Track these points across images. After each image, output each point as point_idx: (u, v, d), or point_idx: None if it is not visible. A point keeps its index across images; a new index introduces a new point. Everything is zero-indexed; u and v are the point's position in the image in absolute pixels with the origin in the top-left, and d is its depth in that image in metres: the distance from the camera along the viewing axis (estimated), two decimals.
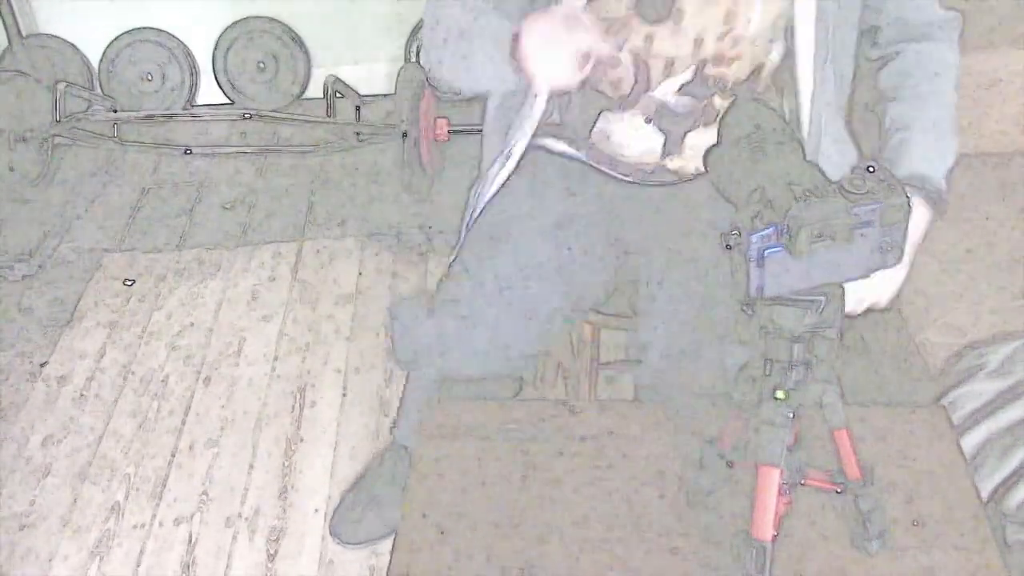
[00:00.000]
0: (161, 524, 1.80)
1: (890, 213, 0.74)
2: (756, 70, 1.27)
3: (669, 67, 1.26)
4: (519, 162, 1.33)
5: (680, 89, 1.28)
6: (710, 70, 1.25)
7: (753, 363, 0.86)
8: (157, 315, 2.31)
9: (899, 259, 0.77)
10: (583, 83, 1.12)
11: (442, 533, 0.97)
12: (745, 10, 1.20)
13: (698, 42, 1.23)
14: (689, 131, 1.32)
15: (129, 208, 2.73)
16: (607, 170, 1.37)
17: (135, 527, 1.79)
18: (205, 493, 1.86)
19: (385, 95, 3.03)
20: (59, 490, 1.87)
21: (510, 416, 1.10)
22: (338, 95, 2.75)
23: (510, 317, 1.25)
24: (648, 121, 1.31)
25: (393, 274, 2.40)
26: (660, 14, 1.20)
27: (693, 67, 1.26)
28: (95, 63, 3.09)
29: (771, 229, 0.74)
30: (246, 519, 1.80)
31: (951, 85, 1.27)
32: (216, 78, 3.13)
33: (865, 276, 0.77)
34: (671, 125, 1.31)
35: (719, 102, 1.30)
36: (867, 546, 0.92)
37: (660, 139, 1.32)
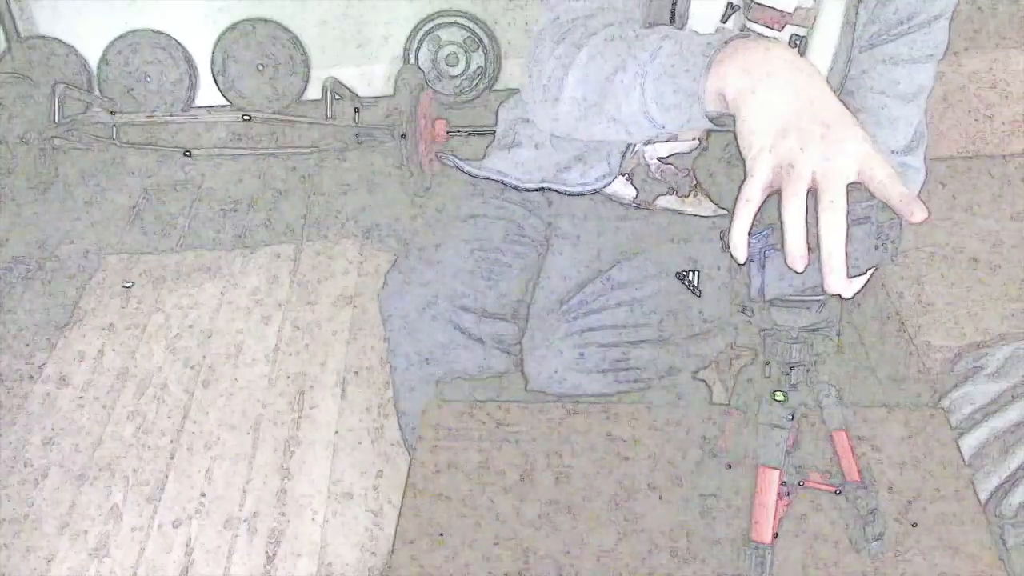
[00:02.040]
0: (160, 526, 1.80)
1: (886, 209, 0.74)
2: None
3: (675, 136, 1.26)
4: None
5: (668, 157, 1.28)
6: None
7: (752, 364, 0.86)
8: (156, 317, 2.31)
9: (896, 255, 0.77)
10: None
11: (442, 534, 0.97)
12: None
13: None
14: (662, 195, 1.33)
15: (128, 210, 2.73)
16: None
17: (134, 529, 1.79)
18: (204, 495, 1.85)
19: (384, 97, 3.04)
20: (58, 492, 1.87)
21: (509, 417, 1.10)
22: (337, 97, 2.75)
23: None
24: (623, 174, 1.31)
25: None
26: None
27: (696, 140, 1.25)
28: (94, 65, 3.10)
29: (769, 230, 0.74)
30: (245, 521, 1.80)
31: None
32: (215, 80, 3.13)
33: (863, 272, 0.77)
34: (645, 185, 1.31)
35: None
36: (866, 548, 0.91)
37: (632, 191, 1.33)
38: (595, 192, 1.30)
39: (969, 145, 1.87)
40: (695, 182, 1.30)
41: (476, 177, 1.37)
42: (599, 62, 0.94)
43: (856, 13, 1.10)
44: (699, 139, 1.25)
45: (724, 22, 1.14)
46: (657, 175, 1.29)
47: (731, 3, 1.13)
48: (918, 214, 0.71)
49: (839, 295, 0.77)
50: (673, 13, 1.10)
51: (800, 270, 0.72)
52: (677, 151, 1.27)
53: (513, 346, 1.28)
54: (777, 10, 1.11)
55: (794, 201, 0.71)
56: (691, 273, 1.09)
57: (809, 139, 0.73)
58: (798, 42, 1.14)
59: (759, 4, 1.11)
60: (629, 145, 1.24)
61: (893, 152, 1.17)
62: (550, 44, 1.01)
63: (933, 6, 1.09)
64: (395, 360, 1.32)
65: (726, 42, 0.82)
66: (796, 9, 1.11)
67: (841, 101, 0.94)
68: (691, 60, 0.83)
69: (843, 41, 1.11)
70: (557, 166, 1.31)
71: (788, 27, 1.13)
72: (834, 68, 1.13)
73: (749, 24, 1.14)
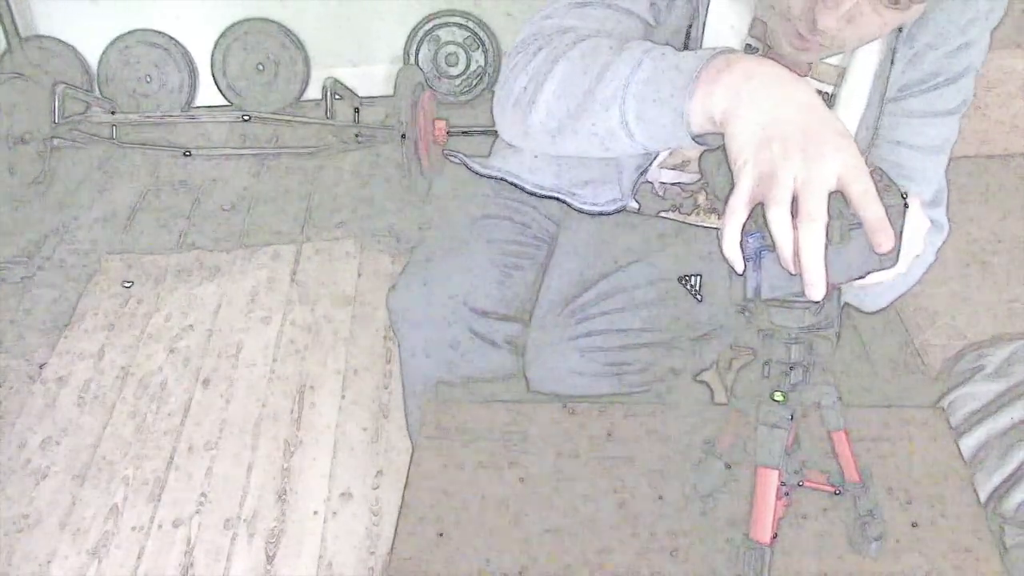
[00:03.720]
0: (160, 526, 1.80)
1: (888, 212, 0.74)
2: None
3: (684, 165, 1.25)
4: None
5: (673, 183, 1.27)
6: None
7: (751, 364, 0.86)
8: (156, 317, 2.31)
9: (895, 261, 0.77)
10: None
11: (441, 534, 0.97)
12: None
13: None
14: (663, 211, 1.32)
15: (128, 210, 2.73)
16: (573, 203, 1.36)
17: (134, 529, 1.79)
18: (204, 495, 1.85)
19: (384, 97, 3.04)
20: (58, 492, 1.87)
21: (509, 417, 1.10)
22: (337, 97, 2.75)
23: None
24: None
25: (392, 276, 2.40)
26: None
27: (700, 174, 1.25)
28: (94, 65, 3.10)
29: (765, 231, 0.74)
30: (245, 521, 1.80)
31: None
32: (215, 80, 3.13)
33: (861, 277, 0.77)
34: (648, 202, 1.31)
35: (702, 199, 1.29)
36: (866, 549, 0.91)
37: (635, 204, 1.32)
38: (604, 214, 1.30)
39: (969, 145, 1.87)
40: (697, 204, 1.30)
41: (485, 176, 1.36)
42: (578, 74, 0.92)
43: (889, 71, 1.07)
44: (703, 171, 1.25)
45: None
46: (660, 193, 1.29)
47: (750, 45, 1.10)
48: (885, 244, 0.72)
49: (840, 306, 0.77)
50: (688, 36, 1.08)
51: (794, 272, 0.73)
52: (682, 180, 1.27)
53: (523, 347, 1.28)
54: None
55: (776, 209, 0.72)
56: (692, 278, 1.09)
57: (791, 148, 0.73)
58: (823, 99, 1.12)
59: (778, 54, 1.09)
60: (640, 171, 1.24)
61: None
62: (526, 56, 0.99)
63: (960, 63, 1.07)
64: (405, 361, 1.32)
65: (709, 60, 0.81)
66: (816, 62, 1.09)
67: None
68: (675, 78, 0.83)
69: (873, 99, 1.09)
70: (570, 179, 1.31)
71: (809, 79, 1.10)
72: (863, 126, 1.11)
73: None
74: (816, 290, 0.72)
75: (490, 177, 1.34)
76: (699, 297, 1.15)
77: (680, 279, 1.15)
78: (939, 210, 1.17)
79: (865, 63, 1.08)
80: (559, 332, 1.20)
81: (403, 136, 2.46)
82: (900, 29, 1.04)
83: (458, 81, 3.14)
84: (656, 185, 1.29)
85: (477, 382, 1.30)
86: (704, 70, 0.81)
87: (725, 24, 1.07)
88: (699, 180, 1.26)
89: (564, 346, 1.19)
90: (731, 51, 0.83)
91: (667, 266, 1.26)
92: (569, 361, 1.18)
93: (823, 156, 0.72)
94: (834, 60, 1.09)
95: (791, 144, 0.73)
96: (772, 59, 1.06)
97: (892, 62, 1.07)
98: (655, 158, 1.22)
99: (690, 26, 1.07)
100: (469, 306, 1.24)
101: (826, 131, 0.75)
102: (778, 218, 0.72)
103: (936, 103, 1.10)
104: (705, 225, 1.32)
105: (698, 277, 1.10)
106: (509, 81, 1.00)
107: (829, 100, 1.11)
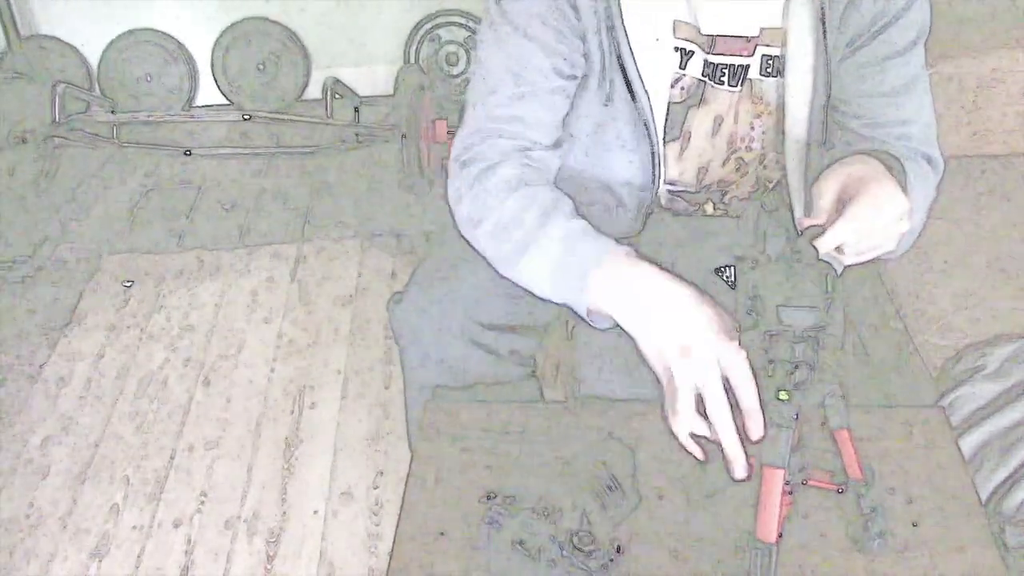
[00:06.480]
0: (160, 525, 1.80)
1: None
2: (759, 187, 1.27)
3: (673, 183, 1.26)
4: None
5: (678, 192, 1.28)
6: (712, 186, 1.26)
7: (756, 363, 0.86)
8: (156, 316, 2.31)
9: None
10: None
11: (441, 534, 0.96)
12: (747, 134, 1.20)
13: (702, 170, 1.23)
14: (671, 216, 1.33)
15: (128, 209, 2.73)
16: None
17: (134, 528, 1.79)
18: (204, 494, 1.85)
19: (384, 96, 3.04)
20: (58, 491, 1.87)
21: (509, 417, 1.10)
22: (337, 96, 2.75)
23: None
24: None
25: (392, 275, 2.40)
26: (670, 136, 1.20)
27: (699, 178, 1.26)
28: (94, 64, 3.10)
29: None
30: (245, 521, 1.80)
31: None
32: (215, 79, 3.13)
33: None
34: (654, 211, 1.31)
35: (710, 208, 1.30)
36: (868, 546, 0.91)
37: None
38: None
39: (969, 145, 1.87)
40: (705, 214, 1.31)
41: None
42: (501, 243, 1.06)
43: (823, 23, 1.08)
44: (704, 182, 1.26)
45: (683, 67, 1.14)
46: (668, 205, 1.29)
47: (683, 49, 1.12)
48: (754, 431, 0.84)
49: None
50: (623, 67, 1.10)
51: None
52: (687, 190, 1.27)
53: (528, 358, 1.28)
54: (743, 37, 1.11)
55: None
56: (727, 268, 1.09)
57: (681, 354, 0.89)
58: (771, 62, 1.13)
59: (723, 36, 1.11)
60: (646, 204, 1.26)
61: (908, 142, 1.12)
62: (465, 181, 1.10)
63: None
64: (407, 372, 1.32)
65: (596, 266, 0.95)
66: (762, 31, 1.11)
67: (834, 121, 1.03)
68: (572, 275, 0.98)
69: (819, 53, 1.10)
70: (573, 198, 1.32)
71: (759, 49, 1.12)
72: (816, 81, 1.11)
73: (715, 59, 1.13)
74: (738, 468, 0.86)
75: None
76: (734, 287, 1.15)
77: (716, 270, 1.15)
78: (932, 144, 1.15)
79: (800, 18, 1.09)
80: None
81: (403, 136, 2.47)
82: None
83: (458, 81, 3.14)
84: (664, 199, 1.29)
85: (477, 386, 1.30)
86: (591, 275, 0.96)
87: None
88: (702, 189, 1.26)
89: (615, 343, 1.20)
90: (628, 250, 0.96)
91: (700, 257, 1.27)
92: (619, 359, 1.19)
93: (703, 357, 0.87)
94: (775, 23, 1.10)
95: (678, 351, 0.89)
96: (722, 47, 1.10)
97: (824, 13, 1.07)
98: (657, 186, 1.23)
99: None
100: (476, 320, 1.24)
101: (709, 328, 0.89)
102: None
103: (891, 44, 1.08)
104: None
105: (733, 268, 1.11)
106: (455, 201, 1.12)
107: (779, 63, 1.13)
